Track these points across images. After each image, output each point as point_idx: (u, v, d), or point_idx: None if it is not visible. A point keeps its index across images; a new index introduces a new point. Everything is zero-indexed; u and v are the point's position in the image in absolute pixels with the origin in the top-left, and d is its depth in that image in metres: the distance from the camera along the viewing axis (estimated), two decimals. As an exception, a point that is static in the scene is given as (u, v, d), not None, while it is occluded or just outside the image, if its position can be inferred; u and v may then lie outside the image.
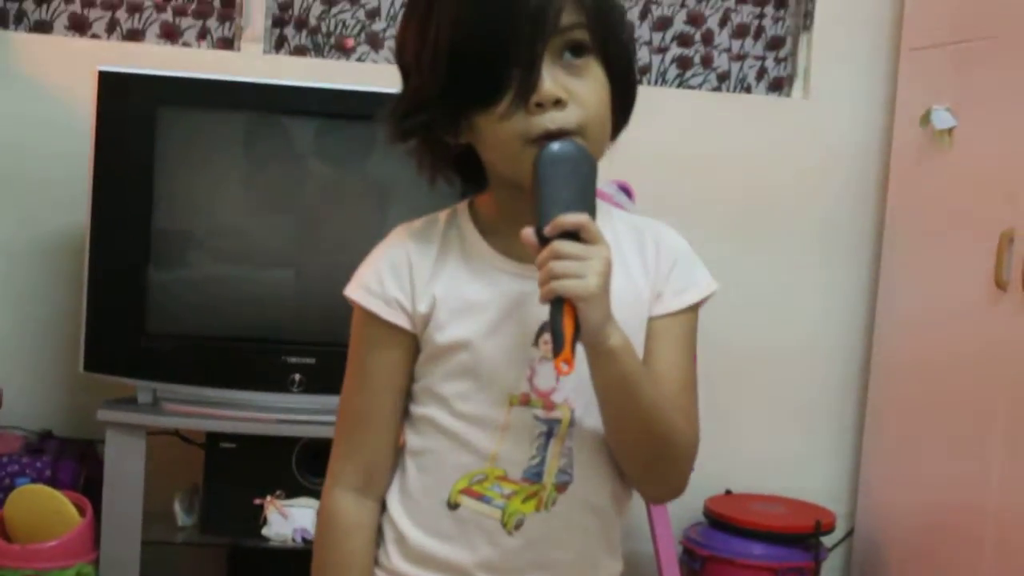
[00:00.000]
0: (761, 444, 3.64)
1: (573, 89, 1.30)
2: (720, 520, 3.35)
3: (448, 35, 1.29)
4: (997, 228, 2.90)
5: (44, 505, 2.89)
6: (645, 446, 1.35)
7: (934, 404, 3.25)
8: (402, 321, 1.38)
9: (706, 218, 3.45)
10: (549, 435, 1.36)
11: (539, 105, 1.28)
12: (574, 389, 1.34)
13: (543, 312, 1.30)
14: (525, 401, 1.35)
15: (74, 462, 3.11)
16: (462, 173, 1.41)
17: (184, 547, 3.09)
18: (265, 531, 2.93)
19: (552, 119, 1.28)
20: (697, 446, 1.40)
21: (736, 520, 3.32)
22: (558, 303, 1.24)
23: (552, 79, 1.29)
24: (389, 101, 1.39)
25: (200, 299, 3.01)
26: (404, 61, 1.37)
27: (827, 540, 3.39)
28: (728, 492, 3.51)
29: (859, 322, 3.69)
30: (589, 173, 1.30)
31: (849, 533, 3.61)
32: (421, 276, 1.38)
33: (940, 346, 3.24)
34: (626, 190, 3.27)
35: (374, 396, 1.41)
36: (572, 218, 1.25)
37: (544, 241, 1.26)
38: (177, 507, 3.06)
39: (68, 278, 3.17)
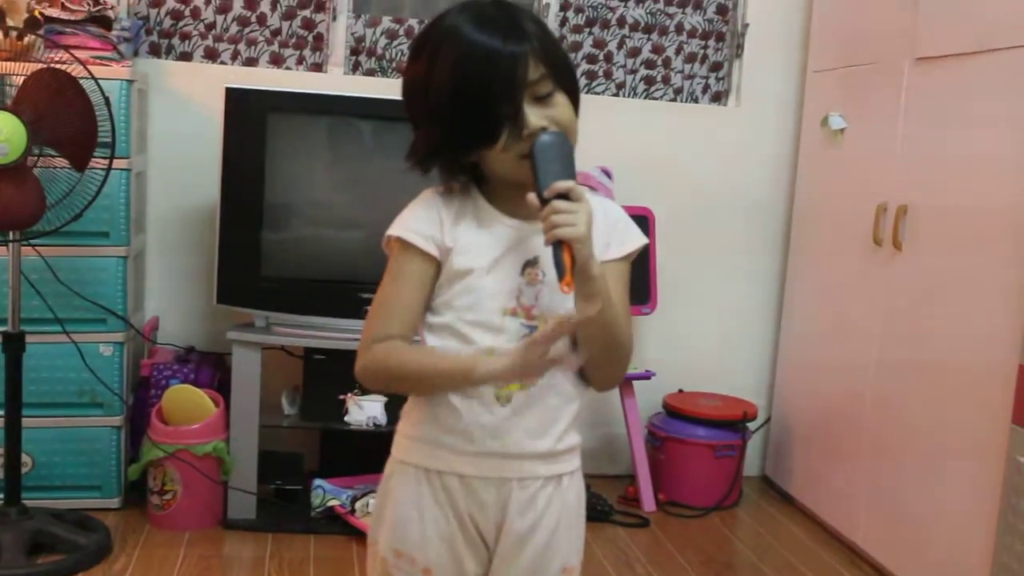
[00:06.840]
0: (705, 356, 3.81)
1: (550, 115, 1.39)
2: (674, 411, 3.56)
3: (448, 100, 1.36)
4: (874, 202, 3.07)
5: (190, 399, 3.04)
6: (609, 346, 1.45)
7: (829, 326, 3.41)
8: (432, 249, 1.45)
9: (665, 191, 3.63)
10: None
11: (530, 134, 1.38)
12: (547, 307, 1.45)
13: (528, 253, 1.45)
14: (514, 313, 1.44)
15: (211, 368, 3.25)
16: (469, 174, 1.48)
17: (289, 429, 3.23)
18: (347, 418, 3.07)
19: None
20: (632, 351, 1.51)
21: (686, 411, 3.53)
22: (558, 245, 1.34)
23: (534, 115, 1.38)
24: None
25: (298, 252, 3.11)
26: (412, 114, 1.44)
27: (751, 425, 3.60)
28: (680, 391, 3.71)
29: (775, 266, 3.80)
30: (570, 153, 1.40)
31: (767, 420, 3.80)
32: (448, 220, 1.46)
33: (834, 283, 3.38)
34: (607, 172, 3.40)
35: (405, 293, 1.46)
36: (563, 184, 1.35)
37: (544, 202, 1.35)
38: (284, 401, 3.20)
39: (205, 238, 3.28)
